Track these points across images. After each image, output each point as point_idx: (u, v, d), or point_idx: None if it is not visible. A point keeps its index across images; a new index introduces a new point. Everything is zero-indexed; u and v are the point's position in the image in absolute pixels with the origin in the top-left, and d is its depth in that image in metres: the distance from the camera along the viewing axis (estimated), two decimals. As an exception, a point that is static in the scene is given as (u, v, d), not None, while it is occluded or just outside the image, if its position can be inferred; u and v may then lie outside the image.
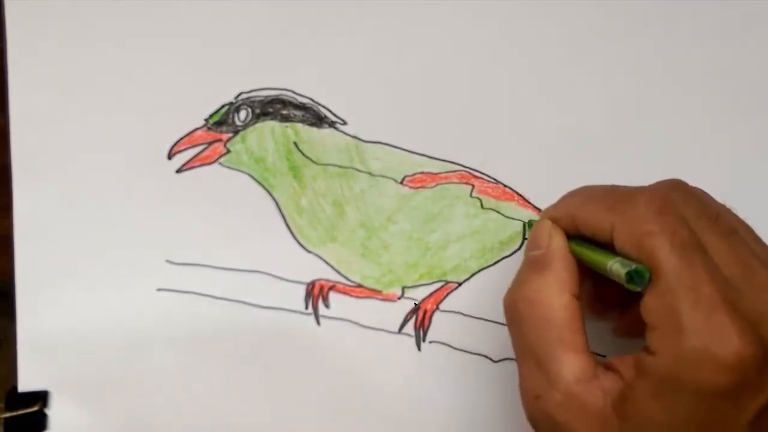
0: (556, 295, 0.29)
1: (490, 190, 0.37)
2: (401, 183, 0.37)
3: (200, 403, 0.39)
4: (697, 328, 0.26)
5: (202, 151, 0.37)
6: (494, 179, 0.37)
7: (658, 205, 0.28)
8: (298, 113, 0.37)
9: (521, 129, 0.37)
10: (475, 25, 0.36)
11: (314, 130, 0.37)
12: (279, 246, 0.38)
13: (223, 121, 0.37)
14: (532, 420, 0.30)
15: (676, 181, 0.31)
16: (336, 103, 0.37)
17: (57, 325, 0.37)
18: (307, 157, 0.37)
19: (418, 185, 0.37)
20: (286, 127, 0.37)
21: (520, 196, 0.37)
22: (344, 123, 0.37)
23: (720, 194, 0.37)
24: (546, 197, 0.37)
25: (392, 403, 0.39)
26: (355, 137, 0.37)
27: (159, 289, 0.38)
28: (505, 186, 0.37)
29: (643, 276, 0.27)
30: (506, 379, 0.38)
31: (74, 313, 0.37)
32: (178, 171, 0.37)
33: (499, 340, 0.38)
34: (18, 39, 0.35)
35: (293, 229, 0.38)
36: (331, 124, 0.37)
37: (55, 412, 0.38)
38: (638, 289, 0.27)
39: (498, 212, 0.37)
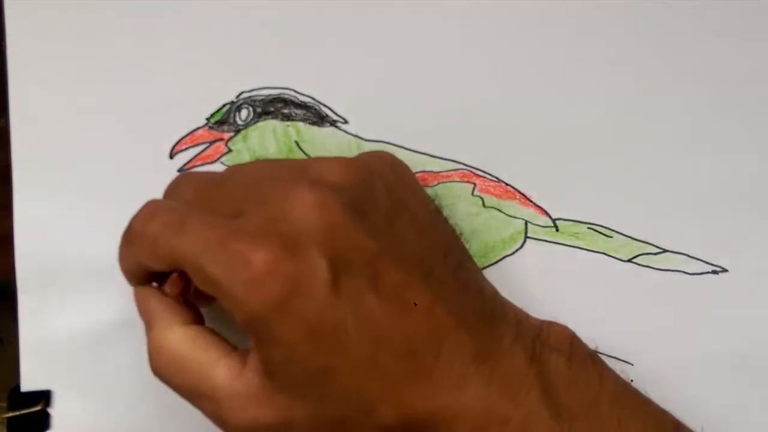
0: (172, 336, 0.31)
1: (491, 189, 0.37)
2: (403, 181, 0.37)
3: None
4: (219, 262, 0.27)
5: (204, 150, 0.37)
6: (496, 178, 0.37)
7: (145, 216, 0.31)
8: (300, 112, 0.37)
9: (523, 127, 0.37)
10: (476, 24, 0.36)
11: (315, 128, 0.37)
12: (281, 245, 0.38)
13: (224, 120, 0.37)
14: None
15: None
16: (337, 102, 0.37)
17: (59, 324, 0.37)
18: (308, 156, 0.37)
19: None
20: (288, 126, 0.37)
21: (522, 194, 0.37)
22: (345, 122, 0.37)
23: (721, 193, 0.37)
24: (547, 196, 0.37)
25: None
26: (356, 136, 0.37)
27: (161, 289, 0.38)
28: (507, 184, 0.37)
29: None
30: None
31: (76, 313, 0.37)
32: (180, 170, 0.37)
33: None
34: (18, 39, 0.35)
35: (295, 228, 0.38)
36: (333, 123, 0.37)
37: (57, 412, 0.38)
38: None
39: (500, 211, 0.37)
